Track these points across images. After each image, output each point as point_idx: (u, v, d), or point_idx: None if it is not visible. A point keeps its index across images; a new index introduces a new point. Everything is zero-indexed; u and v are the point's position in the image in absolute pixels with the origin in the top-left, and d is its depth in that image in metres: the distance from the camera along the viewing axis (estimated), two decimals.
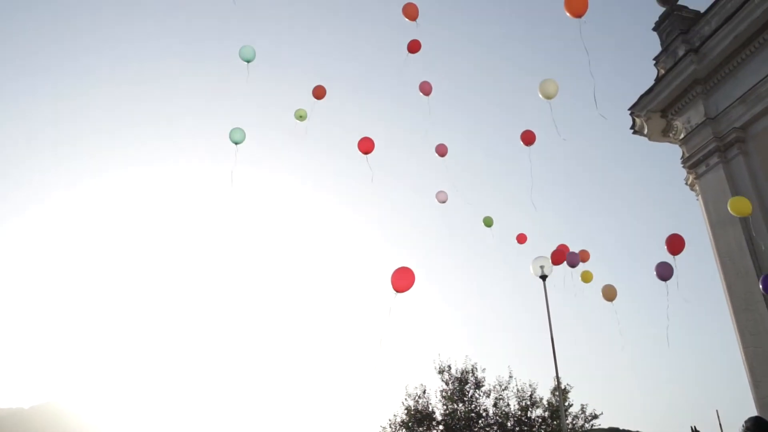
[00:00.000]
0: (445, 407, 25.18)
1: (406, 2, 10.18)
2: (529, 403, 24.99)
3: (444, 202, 12.49)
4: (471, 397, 25.23)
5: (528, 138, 11.13)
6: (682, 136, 12.37)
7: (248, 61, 10.54)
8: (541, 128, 10.96)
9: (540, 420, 24.75)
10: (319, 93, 11.33)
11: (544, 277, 12.97)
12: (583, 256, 12.51)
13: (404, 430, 25.05)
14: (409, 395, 25.72)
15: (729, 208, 9.19)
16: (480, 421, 24.76)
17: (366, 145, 11.01)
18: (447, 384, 25.60)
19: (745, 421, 6.00)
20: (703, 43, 11.64)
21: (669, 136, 12.97)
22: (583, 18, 8.14)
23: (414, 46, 10.94)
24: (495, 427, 24.68)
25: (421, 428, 24.87)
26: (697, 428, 6.98)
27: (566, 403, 24.08)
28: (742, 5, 10.87)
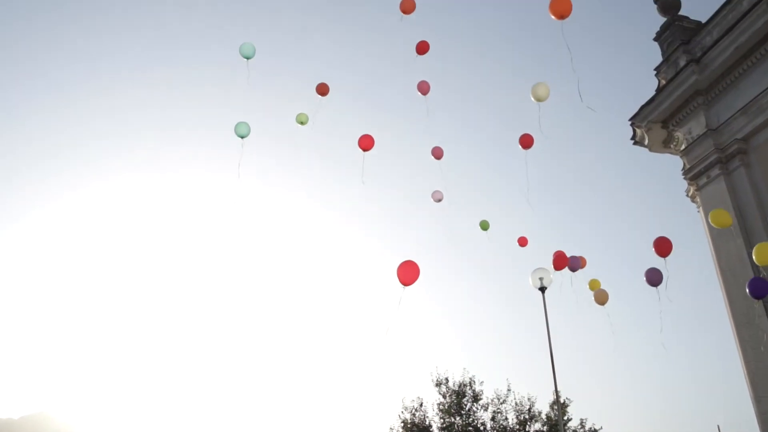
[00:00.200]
0: (442, 421, 24.88)
1: None
2: (527, 417, 24.69)
3: (439, 201, 12.31)
4: (469, 410, 24.94)
5: (526, 142, 11.07)
6: (683, 147, 12.24)
7: (248, 58, 10.51)
8: (538, 132, 10.88)
9: None
10: (322, 90, 11.32)
11: (543, 289, 12.80)
12: (582, 262, 12.33)
13: None
14: (406, 408, 25.46)
15: (710, 221, 9.21)
16: None
17: (366, 142, 10.98)
18: (444, 397, 25.32)
19: None
20: (704, 53, 11.54)
21: (670, 147, 12.85)
22: (567, 20, 8.33)
23: (422, 48, 10.86)
24: None
25: None
26: None
27: (565, 418, 23.81)
28: (743, 16, 10.79)
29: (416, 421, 24.94)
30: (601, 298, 11.51)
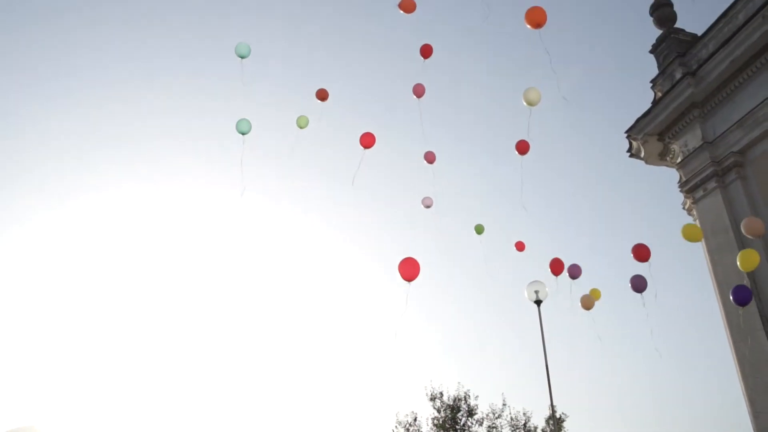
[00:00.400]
0: None
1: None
2: None
3: (429, 207, 12.16)
4: (463, 425, 24.73)
5: (522, 147, 11.02)
6: (679, 159, 12.18)
7: (243, 57, 10.51)
8: (531, 137, 10.89)
9: None
10: (322, 95, 11.30)
11: (538, 302, 12.67)
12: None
13: None
14: (400, 423, 25.26)
15: (682, 235, 9.38)
16: None
17: (367, 140, 10.94)
18: (439, 412, 25.12)
19: None
20: (700, 66, 11.51)
21: (666, 159, 12.78)
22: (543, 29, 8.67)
23: (426, 51, 10.83)
24: None
25: None
26: None
27: None
28: (739, 29, 10.76)
29: None
30: (587, 302, 11.38)
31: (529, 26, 8.67)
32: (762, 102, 10.60)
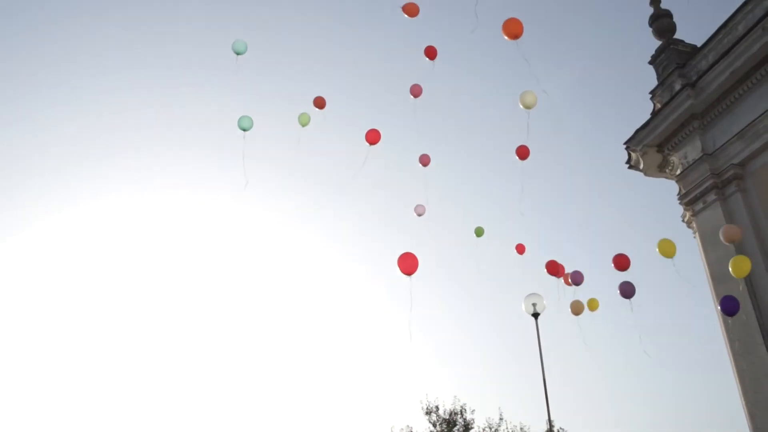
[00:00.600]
0: None
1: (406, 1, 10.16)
2: None
3: (422, 215, 12.02)
4: None
5: (523, 153, 10.99)
6: (678, 171, 12.06)
7: (239, 54, 10.50)
8: (528, 140, 10.87)
9: None
10: (319, 103, 11.26)
11: (536, 315, 12.49)
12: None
13: None
14: None
15: (657, 250, 9.65)
16: None
17: (373, 136, 10.96)
18: (435, 426, 24.85)
19: None
20: (699, 77, 11.41)
21: (665, 171, 12.65)
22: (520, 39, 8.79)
23: (431, 52, 10.79)
24: None
25: None
26: None
27: None
28: (738, 41, 10.68)
29: None
30: (577, 308, 11.24)
31: (506, 37, 8.79)
32: (762, 114, 10.50)
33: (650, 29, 13.09)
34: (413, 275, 8.70)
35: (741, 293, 10.55)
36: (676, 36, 12.75)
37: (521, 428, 24.67)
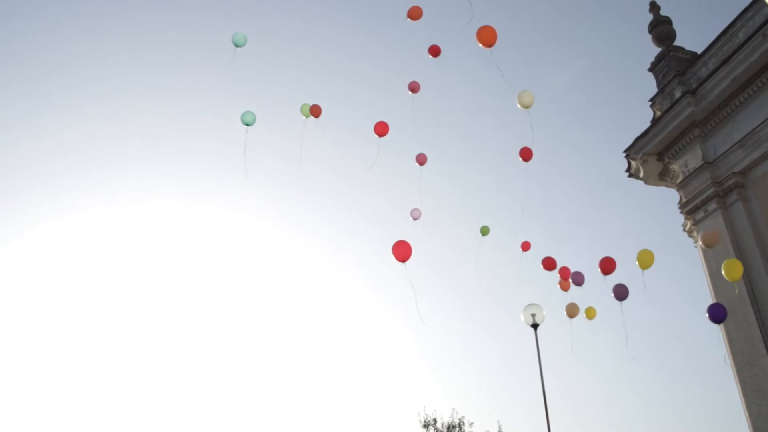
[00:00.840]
0: None
1: (411, 5, 10.25)
2: None
3: (417, 219, 11.92)
4: None
5: (526, 154, 10.95)
6: (679, 180, 11.92)
7: (238, 46, 10.55)
8: (533, 141, 10.88)
9: None
10: (315, 111, 11.28)
11: (535, 326, 12.35)
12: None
13: None
14: None
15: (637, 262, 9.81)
16: None
17: (381, 129, 11.06)
18: None
19: None
20: (700, 85, 11.29)
21: (666, 180, 12.51)
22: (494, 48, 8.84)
23: (434, 51, 10.80)
24: None
25: None
26: None
27: None
28: (739, 48, 10.56)
29: None
30: (572, 311, 11.17)
31: (480, 45, 8.86)
32: (763, 122, 10.37)
33: (649, 36, 12.97)
34: (406, 262, 8.91)
35: (743, 302, 10.43)
36: (676, 43, 12.63)
37: None
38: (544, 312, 12.48)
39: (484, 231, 12.52)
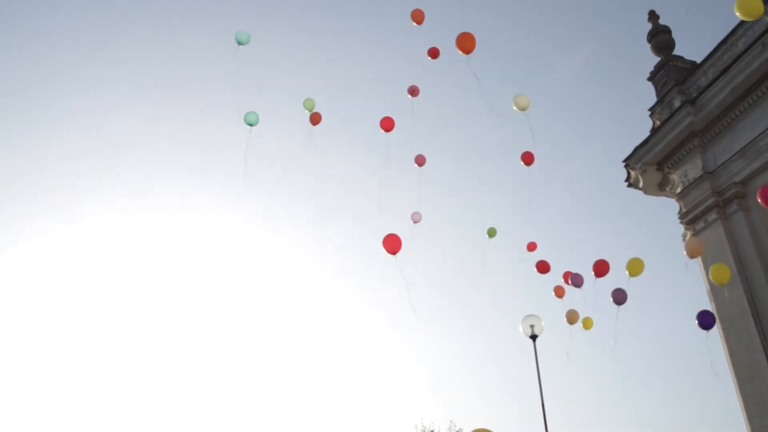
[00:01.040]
0: None
1: (414, 8, 10.41)
2: None
3: (418, 222, 11.82)
4: None
5: (527, 158, 11.01)
6: (679, 190, 11.83)
7: (241, 44, 10.61)
8: (532, 143, 10.94)
9: None
10: (315, 119, 11.35)
11: (534, 337, 12.23)
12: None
13: None
14: None
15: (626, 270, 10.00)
16: None
17: (387, 124, 11.14)
18: None
19: None
20: (699, 94, 11.21)
21: (665, 190, 12.41)
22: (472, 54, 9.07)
23: (434, 53, 10.83)
24: None
25: None
26: None
27: None
28: (738, 57, 10.49)
29: None
30: (572, 317, 11.11)
31: (460, 51, 9.02)
32: (764, 131, 10.28)
33: (648, 45, 12.91)
34: (397, 254, 9.16)
35: (744, 314, 10.31)
36: (675, 52, 12.57)
37: None
38: (542, 323, 12.37)
39: (491, 233, 12.41)
